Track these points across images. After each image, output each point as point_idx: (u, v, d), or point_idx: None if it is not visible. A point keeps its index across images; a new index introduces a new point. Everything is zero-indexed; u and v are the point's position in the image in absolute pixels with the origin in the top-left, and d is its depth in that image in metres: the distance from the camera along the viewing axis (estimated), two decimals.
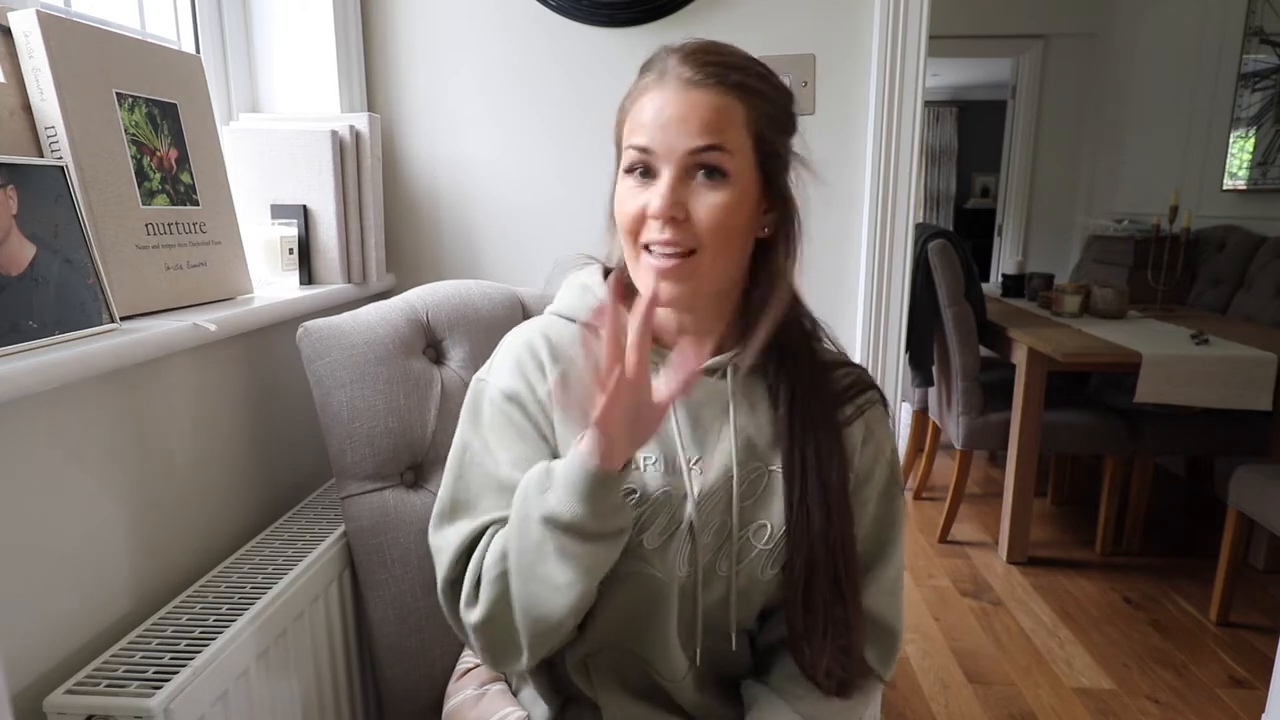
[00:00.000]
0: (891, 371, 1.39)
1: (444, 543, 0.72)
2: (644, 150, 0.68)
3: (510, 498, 0.68)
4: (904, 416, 3.04)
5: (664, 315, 0.76)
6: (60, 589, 0.72)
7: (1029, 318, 2.62)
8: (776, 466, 0.74)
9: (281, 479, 1.10)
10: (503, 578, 0.66)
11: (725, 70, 0.68)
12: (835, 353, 0.81)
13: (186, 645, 0.72)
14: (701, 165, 0.67)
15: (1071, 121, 4.10)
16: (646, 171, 0.69)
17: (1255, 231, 2.87)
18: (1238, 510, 1.97)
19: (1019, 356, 2.34)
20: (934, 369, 2.67)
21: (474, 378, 0.79)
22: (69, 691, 0.66)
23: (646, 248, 0.69)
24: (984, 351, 2.52)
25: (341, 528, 0.97)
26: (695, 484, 0.72)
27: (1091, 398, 2.63)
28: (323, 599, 0.92)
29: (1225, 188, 3.12)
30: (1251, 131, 2.97)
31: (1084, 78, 4.05)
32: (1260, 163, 2.92)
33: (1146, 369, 2.08)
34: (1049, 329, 2.40)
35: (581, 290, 0.79)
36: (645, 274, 0.70)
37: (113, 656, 0.71)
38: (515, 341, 0.78)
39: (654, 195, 0.67)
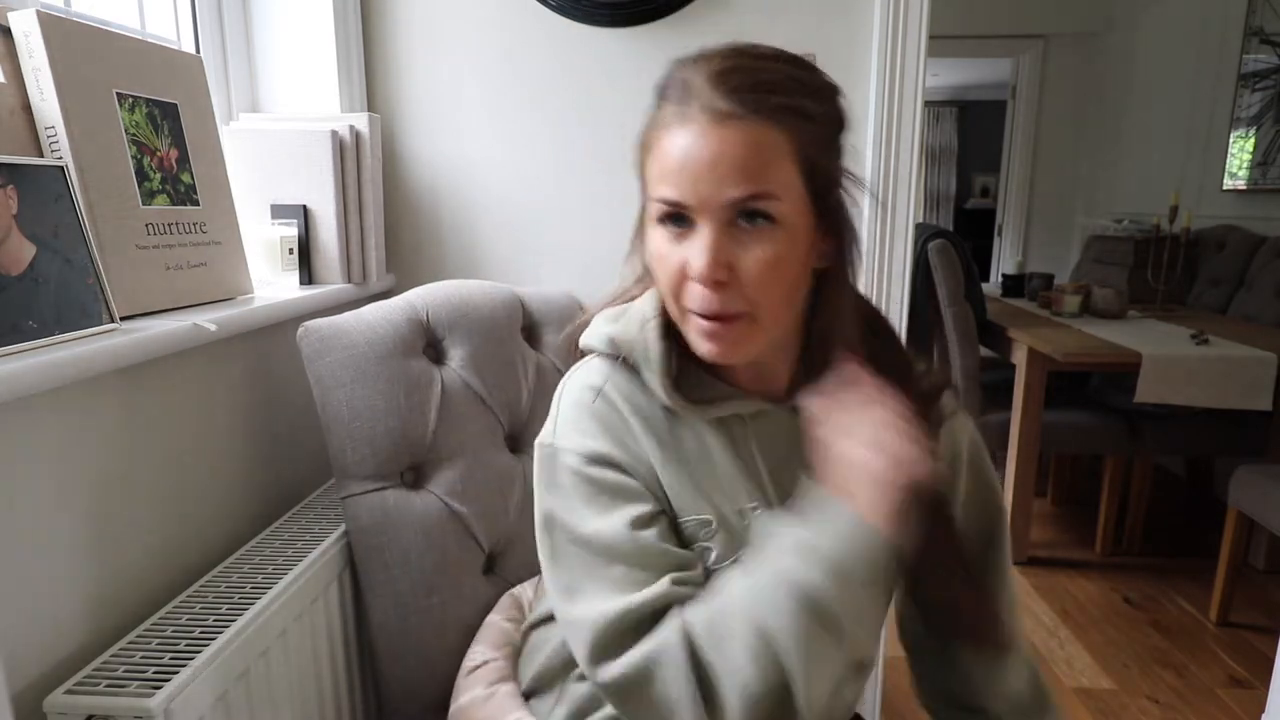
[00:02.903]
0: None
1: (579, 619, 0.61)
2: (675, 204, 0.59)
3: (632, 560, 0.60)
4: None
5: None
6: (60, 589, 0.72)
7: (1029, 318, 2.62)
8: None
9: (281, 479, 1.10)
10: (774, 666, 0.55)
11: (762, 93, 0.57)
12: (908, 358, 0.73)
13: (186, 645, 0.72)
14: (745, 212, 0.58)
15: (1071, 121, 4.10)
16: (680, 220, 0.60)
17: (1255, 231, 2.87)
18: (1238, 510, 1.97)
19: (1019, 356, 2.34)
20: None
21: (538, 443, 0.68)
22: (69, 691, 0.66)
23: (691, 312, 0.61)
24: (984, 351, 2.52)
25: (341, 528, 0.97)
26: None
27: (1091, 398, 2.63)
28: (323, 599, 0.92)
29: (1225, 188, 3.12)
30: (1251, 131, 2.97)
31: (1084, 78, 4.05)
32: (1260, 163, 2.92)
33: (1146, 369, 2.08)
34: (1049, 329, 2.40)
35: (640, 327, 0.66)
36: (695, 335, 0.62)
37: (113, 656, 0.71)
38: (582, 397, 0.67)
39: (694, 253, 0.58)
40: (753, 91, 0.57)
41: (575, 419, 0.66)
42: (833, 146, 0.62)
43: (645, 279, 0.70)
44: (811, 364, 0.68)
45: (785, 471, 0.67)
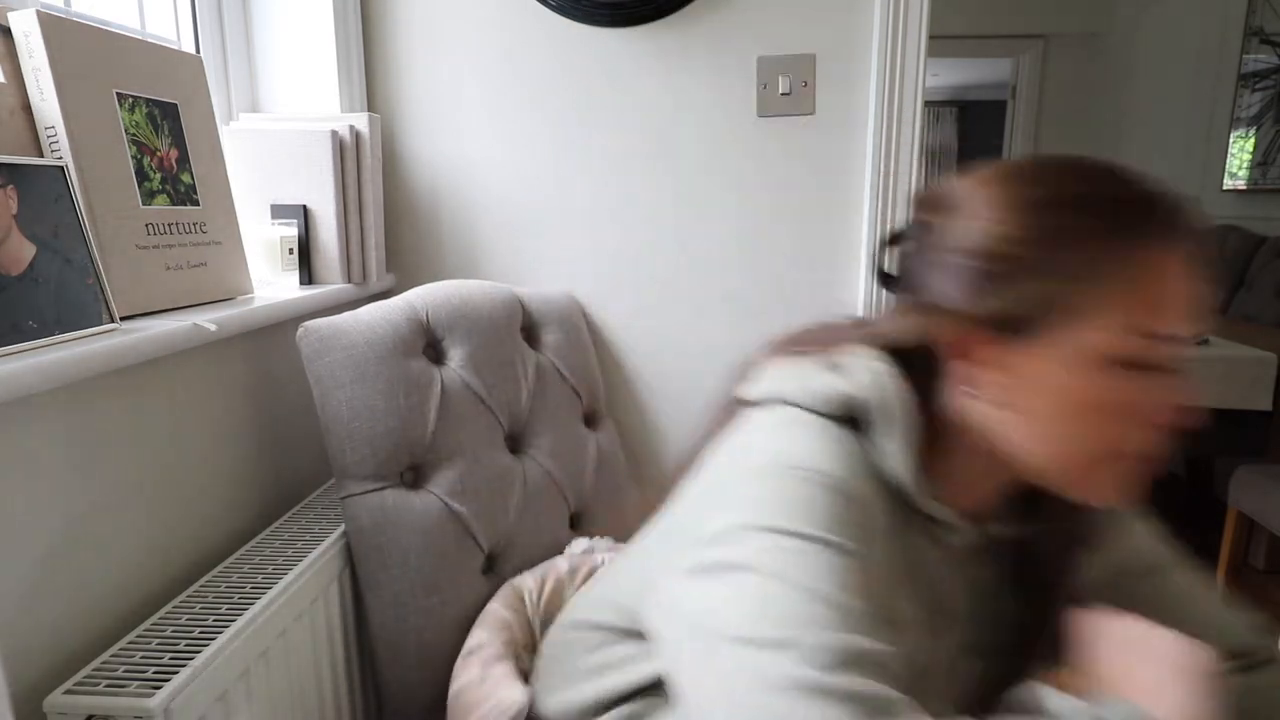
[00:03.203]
0: None
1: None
2: (1179, 341, 0.52)
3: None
4: None
5: (986, 475, 0.60)
6: (60, 589, 0.72)
7: None
8: None
9: (281, 479, 1.10)
10: None
11: None
12: None
13: (186, 645, 0.72)
14: None
15: (1071, 121, 4.10)
16: (1156, 364, 0.52)
17: (1255, 231, 2.87)
18: (1238, 510, 1.97)
19: None
20: None
21: (785, 466, 0.54)
22: (69, 691, 0.66)
23: (1138, 457, 0.54)
24: None
25: (341, 528, 0.97)
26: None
27: None
28: (323, 599, 0.92)
29: (1225, 188, 3.12)
30: (1251, 131, 2.97)
31: (1084, 78, 4.05)
32: (1260, 163, 2.92)
33: None
34: None
35: (880, 389, 0.57)
36: (1116, 483, 0.55)
37: (113, 656, 0.71)
38: (834, 473, 0.53)
39: (1175, 394, 0.52)
40: None
41: (836, 480, 0.53)
42: None
43: (841, 343, 0.61)
44: (1021, 495, 0.63)
45: (957, 595, 0.63)
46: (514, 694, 0.79)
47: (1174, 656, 0.52)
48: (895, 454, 0.56)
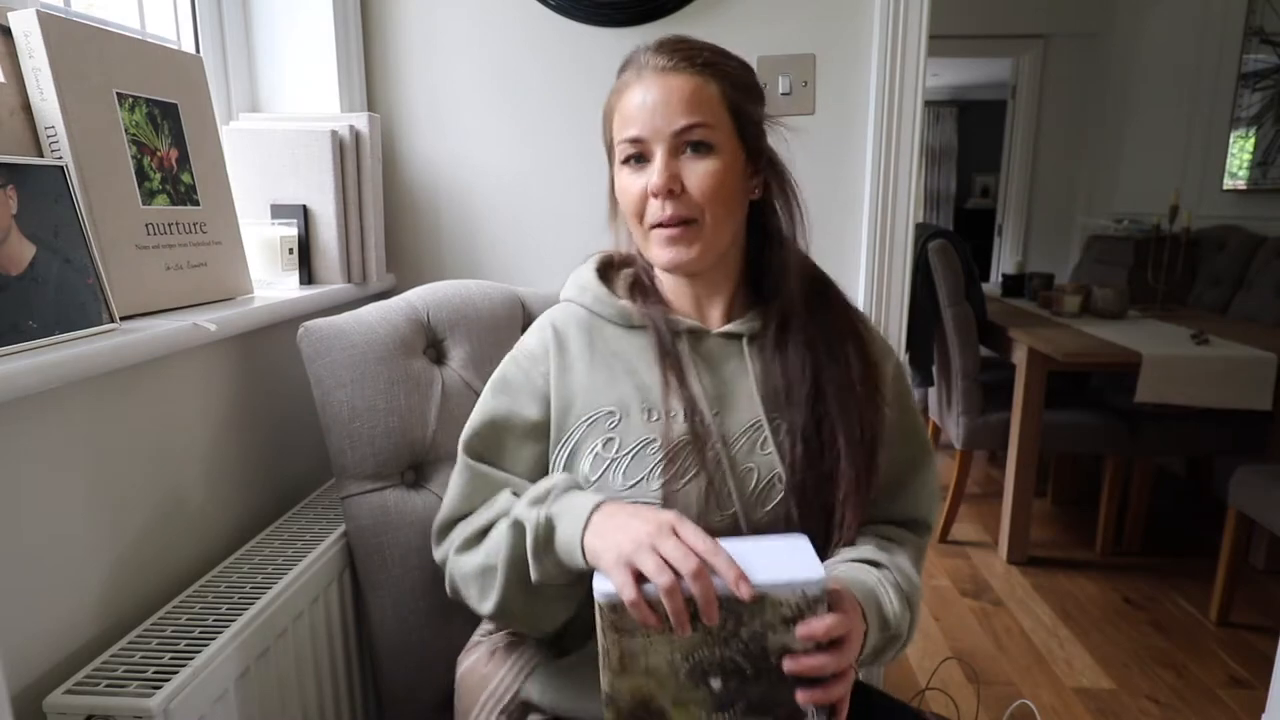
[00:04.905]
0: None
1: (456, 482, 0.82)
2: (635, 140, 0.75)
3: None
4: None
5: (677, 285, 0.83)
6: (60, 589, 0.72)
7: (1029, 318, 2.62)
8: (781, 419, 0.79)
9: (281, 479, 1.10)
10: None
11: (693, 52, 0.76)
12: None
13: (186, 645, 0.72)
14: (688, 142, 0.74)
15: (1071, 121, 4.10)
16: (640, 158, 0.76)
17: (1255, 231, 2.87)
18: (1238, 510, 1.97)
19: (1019, 356, 2.34)
20: (934, 369, 2.67)
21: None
22: (69, 691, 0.66)
23: (653, 226, 0.76)
24: (984, 351, 2.52)
25: (341, 528, 0.97)
26: (718, 431, 0.77)
27: (1091, 398, 2.63)
28: (323, 599, 0.92)
29: (1225, 188, 3.12)
30: (1251, 131, 2.97)
31: (1084, 78, 4.05)
32: (1260, 163, 2.92)
33: (1146, 369, 2.08)
34: (1049, 329, 2.40)
35: (579, 289, 0.86)
36: (656, 246, 0.77)
37: (113, 656, 0.71)
38: (537, 322, 0.87)
39: (652, 174, 0.74)
40: (685, 50, 0.76)
41: (527, 334, 0.87)
42: (752, 99, 0.79)
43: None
44: (750, 292, 0.84)
45: (717, 385, 0.79)
46: (510, 678, 0.82)
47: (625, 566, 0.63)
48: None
